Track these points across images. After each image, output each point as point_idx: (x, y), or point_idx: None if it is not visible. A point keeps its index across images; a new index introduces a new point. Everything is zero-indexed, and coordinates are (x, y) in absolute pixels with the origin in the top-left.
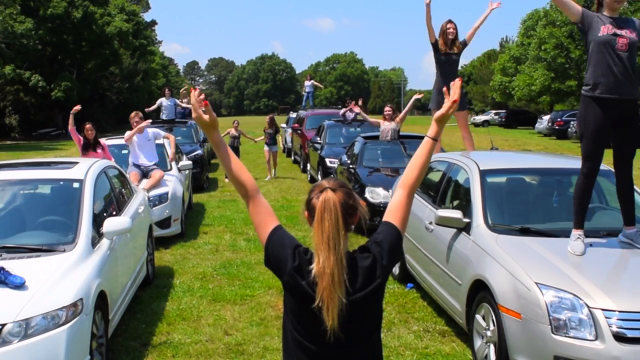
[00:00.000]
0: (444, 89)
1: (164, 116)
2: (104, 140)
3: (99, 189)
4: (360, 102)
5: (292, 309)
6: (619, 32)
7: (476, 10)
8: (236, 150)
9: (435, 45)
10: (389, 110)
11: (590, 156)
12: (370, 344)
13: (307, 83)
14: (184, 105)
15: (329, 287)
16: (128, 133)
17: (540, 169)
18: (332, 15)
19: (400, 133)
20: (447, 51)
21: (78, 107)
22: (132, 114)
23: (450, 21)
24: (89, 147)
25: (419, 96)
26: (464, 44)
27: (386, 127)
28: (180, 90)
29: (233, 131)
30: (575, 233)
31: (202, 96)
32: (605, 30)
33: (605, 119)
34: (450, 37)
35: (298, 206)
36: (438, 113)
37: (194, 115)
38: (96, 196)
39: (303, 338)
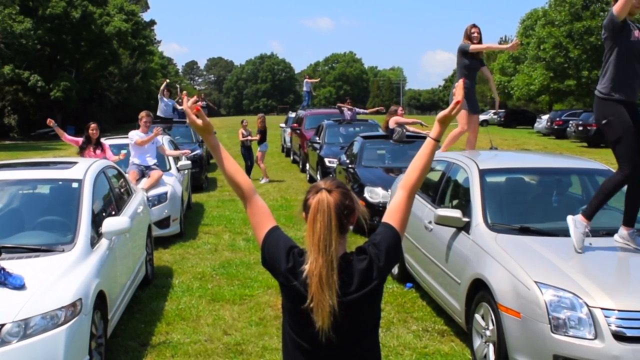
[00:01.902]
0: (453, 91)
1: (159, 112)
2: (105, 142)
3: (98, 189)
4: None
5: (288, 309)
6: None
7: (479, 9)
8: (249, 150)
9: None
10: (402, 111)
11: (633, 156)
12: (368, 344)
13: (307, 82)
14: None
15: (317, 288)
16: (140, 136)
17: (540, 169)
18: (331, 15)
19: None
20: (473, 55)
21: (51, 121)
22: (143, 113)
23: (474, 25)
24: (88, 146)
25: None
26: (482, 60)
27: (397, 128)
28: (183, 93)
29: (243, 131)
30: (584, 223)
31: (194, 99)
32: (637, 34)
33: (631, 118)
34: (475, 41)
35: (297, 206)
36: (441, 114)
37: (188, 120)
38: (95, 196)
39: (299, 338)
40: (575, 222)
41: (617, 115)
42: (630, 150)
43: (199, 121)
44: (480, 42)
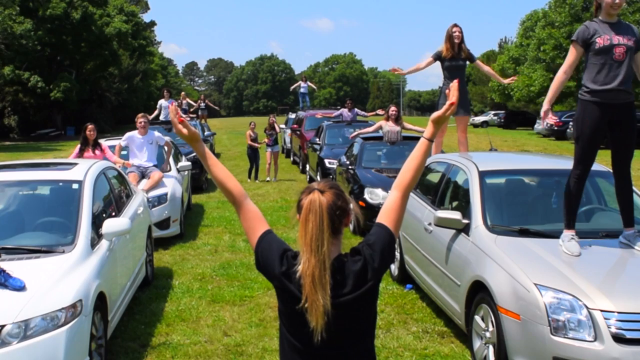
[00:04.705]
0: (447, 90)
1: (162, 117)
2: (104, 142)
3: (98, 190)
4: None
5: (283, 312)
6: (615, 41)
7: (479, 10)
8: (255, 152)
9: (438, 57)
10: (394, 111)
11: (584, 159)
12: (364, 345)
13: (303, 84)
14: (183, 106)
15: (310, 289)
16: (132, 140)
17: (539, 170)
18: (330, 15)
19: (402, 134)
20: (453, 56)
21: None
22: (139, 115)
23: (455, 25)
24: (87, 147)
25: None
26: (471, 58)
27: (392, 128)
28: (181, 94)
29: (250, 132)
30: (568, 233)
31: (175, 110)
32: (601, 42)
33: (602, 123)
34: (456, 40)
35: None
36: (435, 114)
37: (174, 130)
38: (95, 197)
39: (295, 340)
40: (562, 237)
41: (583, 116)
42: (581, 153)
43: (185, 130)
44: (462, 41)
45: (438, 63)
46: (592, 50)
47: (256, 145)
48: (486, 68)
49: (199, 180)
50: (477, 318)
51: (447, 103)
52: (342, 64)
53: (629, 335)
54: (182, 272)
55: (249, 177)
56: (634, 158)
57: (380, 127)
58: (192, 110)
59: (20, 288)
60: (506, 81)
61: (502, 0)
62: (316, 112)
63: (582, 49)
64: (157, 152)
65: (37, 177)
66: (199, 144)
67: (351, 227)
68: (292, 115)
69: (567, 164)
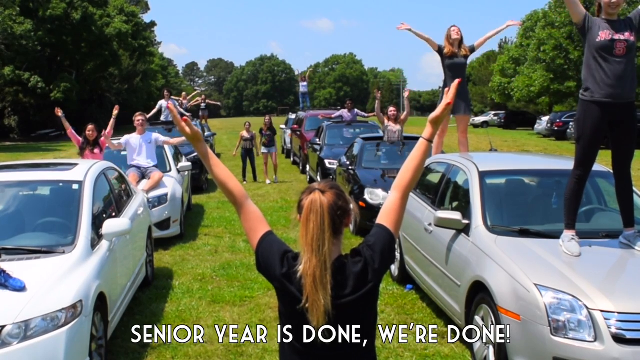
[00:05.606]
0: (446, 90)
1: (163, 117)
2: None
3: (99, 190)
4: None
5: (284, 313)
6: (616, 37)
7: (479, 11)
8: (250, 153)
9: (440, 51)
10: (393, 111)
11: (585, 160)
12: (365, 346)
13: (303, 84)
14: (184, 106)
15: (311, 289)
16: (126, 139)
17: (540, 171)
18: (330, 16)
19: (403, 134)
20: (453, 52)
21: (59, 111)
22: (137, 114)
23: (454, 25)
24: (87, 146)
25: (406, 93)
26: (472, 49)
27: (392, 128)
28: (182, 94)
29: (245, 133)
30: (568, 234)
31: (181, 110)
32: (603, 35)
33: (602, 123)
34: (454, 36)
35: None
36: (432, 115)
37: (178, 129)
38: (95, 198)
39: (295, 340)
40: (562, 238)
41: (584, 116)
42: (582, 153)
43: (188, 129)
44: (461, 40)
45: (439, 60)
46: (593, 44)
47: (251, 146)
48: (486, 35)
49: (199, 180)
50: (477, 318)
51: (443, 103)
52: (342, 64)
53: (629, 335)
54: (182, 273)
55: (244, 179)
56: (634, 158)
57: (383, 123)
58: (195, 100)
59: (21, 289)
60: (511, 23)
61: (502, 0)
62: (317, 112)
63: (582, 14)
64: (156, 152)
65: (37, 178)
66: (201, 143)
67: (352, 227)
68: (293, 116)
69: (568, 164)
